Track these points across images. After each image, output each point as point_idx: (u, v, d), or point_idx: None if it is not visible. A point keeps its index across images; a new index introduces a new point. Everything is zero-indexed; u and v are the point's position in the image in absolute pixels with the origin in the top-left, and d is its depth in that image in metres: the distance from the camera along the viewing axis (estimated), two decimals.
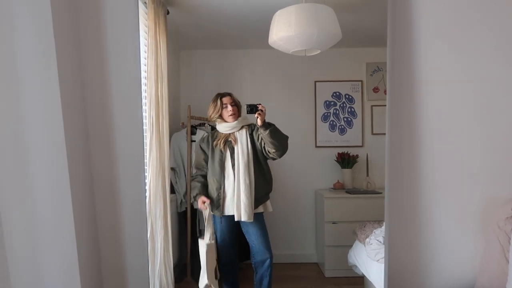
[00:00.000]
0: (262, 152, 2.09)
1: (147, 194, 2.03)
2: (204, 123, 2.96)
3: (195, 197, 2.19)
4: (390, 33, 1.77)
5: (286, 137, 2.12)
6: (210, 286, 2.10)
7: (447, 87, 1.77)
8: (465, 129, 1.81)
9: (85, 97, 1.70)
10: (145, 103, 2.07)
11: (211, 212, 2.23)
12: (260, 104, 1.99)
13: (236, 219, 2.14)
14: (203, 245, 2.14)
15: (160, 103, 2.15)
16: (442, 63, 1.80)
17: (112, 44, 1.68)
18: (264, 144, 2.04)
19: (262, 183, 2.13)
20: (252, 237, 2.20)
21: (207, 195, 2.16)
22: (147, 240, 1.89)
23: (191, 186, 2.27)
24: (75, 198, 1.53)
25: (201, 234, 2.21)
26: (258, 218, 2.15)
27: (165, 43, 2.27)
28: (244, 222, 2.16)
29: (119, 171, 1.81)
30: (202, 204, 2.13)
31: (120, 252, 1.84)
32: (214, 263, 2.20)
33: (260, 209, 2.17)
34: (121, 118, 1.78)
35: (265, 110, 1.99)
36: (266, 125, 2.00)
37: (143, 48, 2.11)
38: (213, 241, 2.16)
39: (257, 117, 1.97)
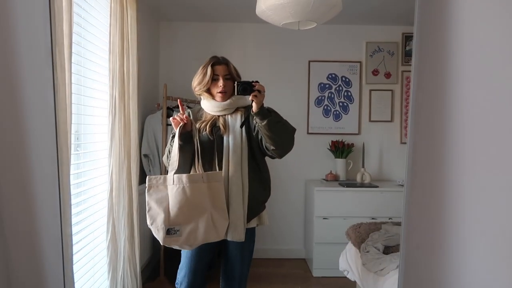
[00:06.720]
0: (259, 147, 1.51)
1: (108, 188, 1.73)
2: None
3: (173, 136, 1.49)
4: None
5: (292, 130, 1.48)
6: None
7: (493, 73, 1.27)
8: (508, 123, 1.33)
9: None
10: (108, 81, 1.74)
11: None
12: (257, 81, 1.39)
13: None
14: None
15: (126, 80, 1.83)
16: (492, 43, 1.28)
17: None
18: (261, 137, 1.46)
19: (258, 188, 1.53)
20: (233, 260, 1.56)
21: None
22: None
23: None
24: None
25: None
26: (249, 237, 1.52)
27: (135, 9, 1.92)
28: (231, 242, 1.50)
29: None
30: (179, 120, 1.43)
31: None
32: None
33: (253, 223, 1.53)
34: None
35: (263, 91, 1.38)
36: (265, 112, 1.39)
37: (106, 13, 1.77)
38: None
39: (252, 100, 1.37)
